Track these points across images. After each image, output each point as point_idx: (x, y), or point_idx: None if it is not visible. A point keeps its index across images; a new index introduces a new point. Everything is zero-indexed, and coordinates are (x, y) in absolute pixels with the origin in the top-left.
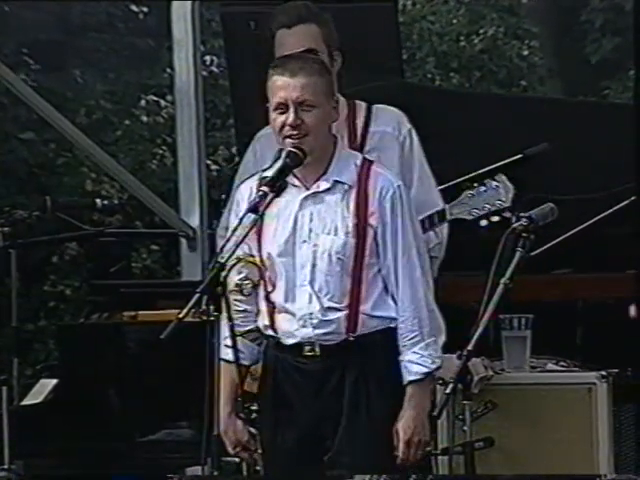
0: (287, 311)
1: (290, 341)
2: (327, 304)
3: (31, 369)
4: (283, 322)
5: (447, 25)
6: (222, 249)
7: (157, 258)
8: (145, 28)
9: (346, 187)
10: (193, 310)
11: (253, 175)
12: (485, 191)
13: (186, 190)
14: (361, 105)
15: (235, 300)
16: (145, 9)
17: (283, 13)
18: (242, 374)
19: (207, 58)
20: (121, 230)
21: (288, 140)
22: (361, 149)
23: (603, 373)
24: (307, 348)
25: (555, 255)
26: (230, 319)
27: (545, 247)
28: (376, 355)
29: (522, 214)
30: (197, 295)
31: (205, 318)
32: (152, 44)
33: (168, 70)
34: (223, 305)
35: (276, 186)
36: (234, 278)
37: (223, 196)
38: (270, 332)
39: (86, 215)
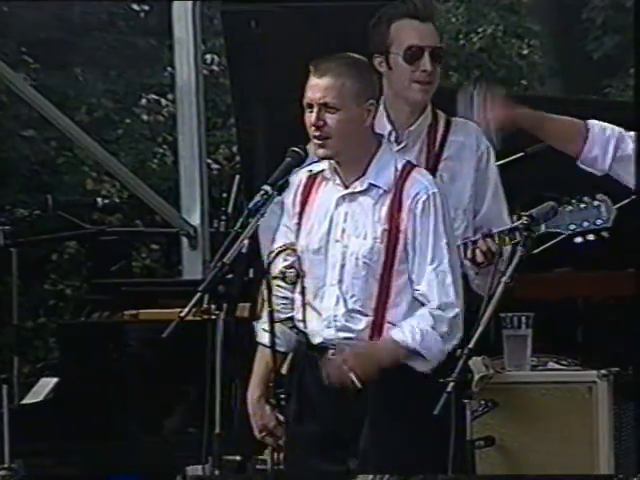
0: (315, 309)
1: (317, 340)
2: (352, 306)
3: (31, 367)
4: (311, 320)
5: (446, 23)
6: (226, 248)
7: (157, 257)
8: (146, 27)
9: (381, 191)
10: (194, 309)
11: (302, 167)
12: (585, 208)
13: (187, 189)
14: (441, 115)
15: (277, 286)
16: (146, 8)
17: (414, 3)
18: (277, 360)
19: (208, 57)
20: (122, 229)
21: (314, 140)
22: (439, 157)
23: (604, 372)
24: (332, 351)
25: (556, 254)
26: (270, 304)
27: (546, 245)
28: (399, 368)
29: (523, 213)
30: (199, 294)
31: (206, 317)
32: (153, 43)
33: (169, 69)
34: (265, 290)
35: (277, 184)
36: (279, 265)
37: (224, 195)
38: (301, 327)
39: (87, 214)
